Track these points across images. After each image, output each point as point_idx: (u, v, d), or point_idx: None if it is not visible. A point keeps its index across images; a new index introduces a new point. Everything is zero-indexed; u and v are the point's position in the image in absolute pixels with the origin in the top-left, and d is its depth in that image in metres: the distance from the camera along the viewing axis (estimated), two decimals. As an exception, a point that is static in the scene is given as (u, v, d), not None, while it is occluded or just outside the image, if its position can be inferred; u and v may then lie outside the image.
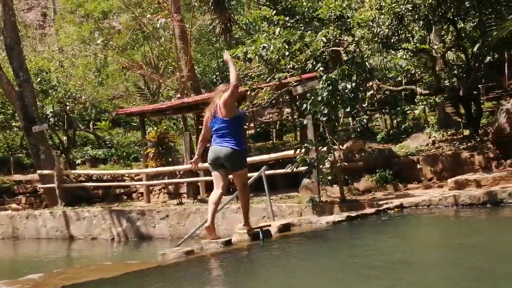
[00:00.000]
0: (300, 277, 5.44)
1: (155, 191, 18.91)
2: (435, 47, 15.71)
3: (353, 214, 9.87)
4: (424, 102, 16.34)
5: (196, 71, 23.38)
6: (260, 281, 5.34)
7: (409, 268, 5.35)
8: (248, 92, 13.22)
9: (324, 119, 11.73)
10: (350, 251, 6.63)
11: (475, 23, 14.08)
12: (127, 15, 27.62)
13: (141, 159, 19.81)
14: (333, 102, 11.61)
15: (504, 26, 11.74)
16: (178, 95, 22.16)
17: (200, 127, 16.71)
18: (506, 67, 17.59)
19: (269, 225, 8.79)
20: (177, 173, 16.49)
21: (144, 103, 25.61)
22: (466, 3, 13.32)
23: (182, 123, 23.24)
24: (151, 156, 16.34)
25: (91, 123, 27.40)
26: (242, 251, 7.10)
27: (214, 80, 25.75)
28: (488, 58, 15.79)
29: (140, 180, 18.52)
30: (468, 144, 14.31)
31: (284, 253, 6.79)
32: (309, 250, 6.88)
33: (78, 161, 24.69)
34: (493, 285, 4.48)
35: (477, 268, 5.05)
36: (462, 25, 14.69)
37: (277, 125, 23.68)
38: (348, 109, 11.74)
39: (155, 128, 17.73)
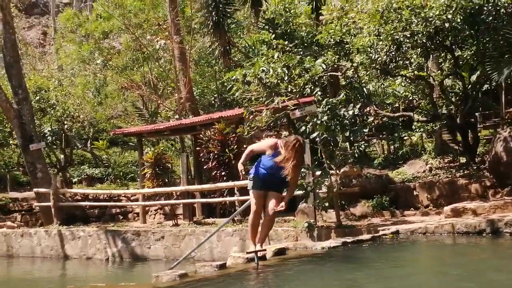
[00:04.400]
0: None
1: (151, 211, 18.88)
2: (433, 74, 15.83)
3: (349, 239, 9.85)
4: (421, 129, 16.41)
5: (194, 93, 23.46)
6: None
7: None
8: (247, 116, 13.26)
9: (321, 143, 11.76)
10: (344, 276, 6.61)
11: (473, 51, 14.18)
12: (127, 35, 27.78)
13: (138, 179, 19.77)
14: (333, 126, 11.64)
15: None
16: (177, 116, 22.21)
17: (197, 148, 16.75)
18: (503, 95, 17.68)
19: (265, 250, 8.78)
20: (174, 194, 16.45)
21: (142, 123, 25.65)
22: (464, 32, 13.44)
23: (179, 144, 23.28)
24: (148, 176, 16.32)
25: (88, 142, 27.38)
26: (236, 275, 7.07)
27: (213, 102, 25.81)
28: (485, 86, 15.88)
29: (137, 200, 18.49)
30: (465, 172, 14.35)
31: (277, 278, 6.76)
32: (302, 276, 6.85)
33: (75, 180, 24.67)
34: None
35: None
36: (460, 52, 14.79)
37: (275, 148, 23.68)
38: (347, 134, 11.77)
39: (153, 149, 17.73)
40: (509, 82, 16.46)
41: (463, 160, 15.27)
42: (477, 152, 15.26)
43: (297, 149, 7.47)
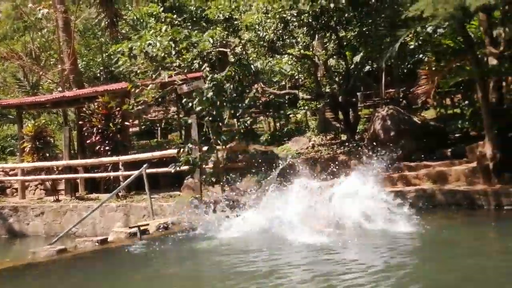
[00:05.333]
0: (161, 277, 5.42)
1: (31, 187, 18.08)
2: (318, 53, 16.23)
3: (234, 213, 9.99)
4: (306, 107, 16.83)
5: (79, 65, 22.63)
6: (121, 282, 5.27)
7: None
8: (132, 89, 13.00)
9: (208, 119, 11.77)
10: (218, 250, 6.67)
11: (356, 32, 14.65)
12: (7, 3, 26.31)
13: (17, 153, 18.87)
14: (218, 102, 11.67)
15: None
16: (60, 89, 21.37)
17: (81, 122, 16.24)
18: (383, 77, 18.46)
19: (147, 224, 8.73)
20: (55, 169, 15.87)
21: (22, 95, 24.42)
22: (348, 13, 13.84)
23: (62, 117, 22.42)
24: (28, 150, 15.65)
25: (-36, 114, 25.73)
26: (115, 250, 6.97)
27: (98, 74, 25.05)
28: (367, 67, 16.49)
29: (15, 175, 17.66)
30: (345, 149, 14.91)
31: (155, 253, 6.71)
32: (183, 250, 6.85)
33: None
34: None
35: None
36: (344, 33, 15.25)
37: (162, 124, 23.46)
38: (232, 111, 11.85)
39: (33, 122, 16.99)
40: (389, 64, 17.27)
41: (344, 137, 15.86)
42: (357, 130, 15.88)
43: None
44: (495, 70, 10.99)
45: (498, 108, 11.56)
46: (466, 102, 14.28)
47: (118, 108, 14.65)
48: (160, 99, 15.76)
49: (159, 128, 23.02)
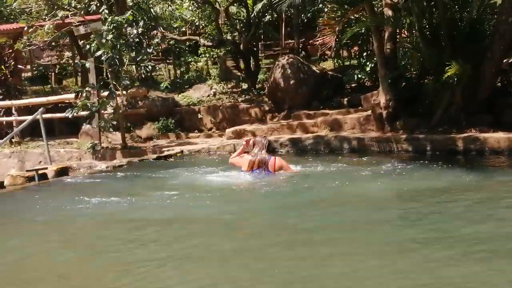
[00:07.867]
0: (54, 219, 5.34)
1: None
2: (219, 0, 16.10)
3: (135, 159, 9.90)
4: (207, 54, 16.74)
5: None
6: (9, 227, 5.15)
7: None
8: (25, 29, 12.38)
9: (107, 62, 11.44)
10: (117, 193, 6.55)
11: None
12: None
13: None
14: (118, 45, 11.35)
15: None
16: None
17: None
18: (283, 27, 18.65)
19: (46, 168, 8.48)
20: None
21: None
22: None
23: None
24: None
25: None
26: (11, 194, 6.74)
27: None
28: (268, 17, 16.55)
29: None
30: (246, 97, 15.09)
31: (51, 198, 6.50)
32: (79, 194, 6.63)
33: None
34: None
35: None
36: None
37: (57, 69, 22.51)
38: (134, 54, 11.57)
39: None
40: (289, 14, 17.43)
41: (245, 86, 15.99)
42: (258, 79, 16.05)
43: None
44: (390, 20, 11.35)
45: (392, 58, 12.00)
46: (364, 54, 14.73)
47: (10, 50, 13.94)
48: (54, 43, 15.13)
49: (53, 74, 22.08)
